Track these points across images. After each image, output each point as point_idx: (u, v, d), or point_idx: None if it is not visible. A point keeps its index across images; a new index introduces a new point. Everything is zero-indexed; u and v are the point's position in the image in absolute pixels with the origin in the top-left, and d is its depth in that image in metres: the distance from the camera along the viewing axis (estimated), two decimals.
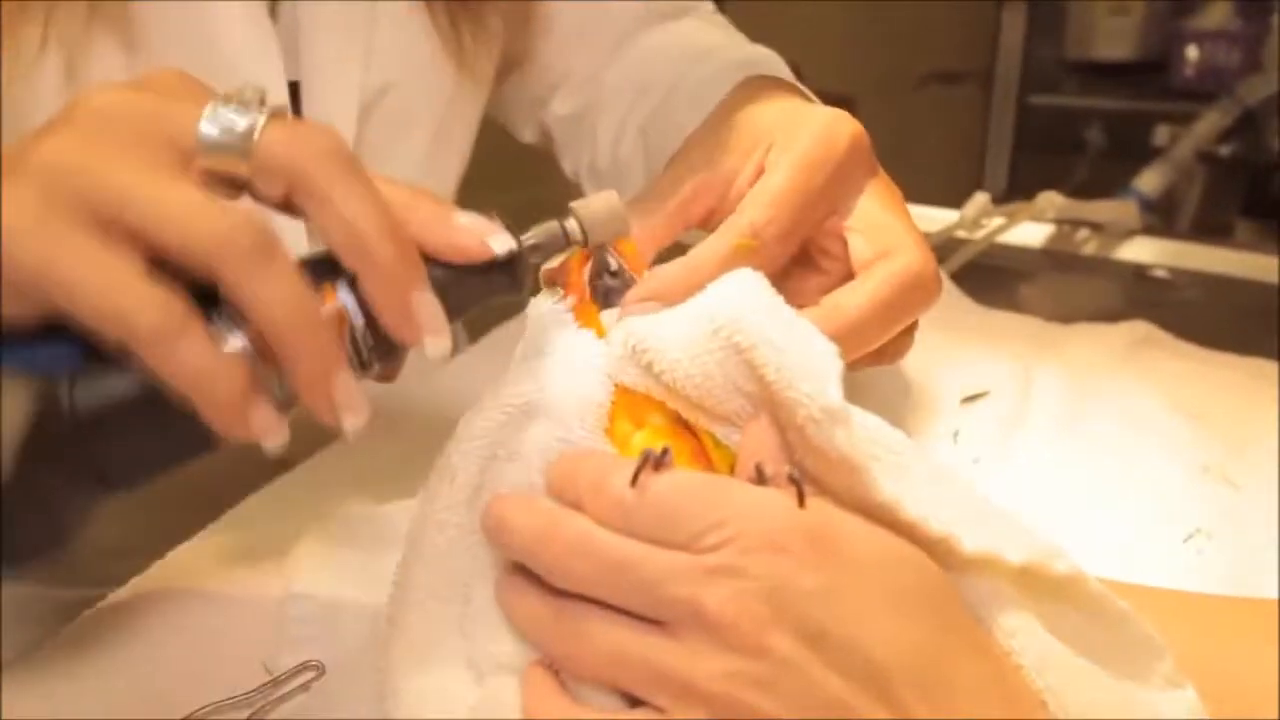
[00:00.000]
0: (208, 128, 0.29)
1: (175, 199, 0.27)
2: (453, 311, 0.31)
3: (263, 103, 0.29)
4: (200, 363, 0.27)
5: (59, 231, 0.27)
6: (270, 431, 0.29)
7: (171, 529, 0.48)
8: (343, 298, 0.30)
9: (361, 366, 0.31)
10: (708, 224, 0.41)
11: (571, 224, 0.34)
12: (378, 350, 0.31)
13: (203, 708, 0.35)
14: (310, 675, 0.36)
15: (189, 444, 0.30)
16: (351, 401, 0.29)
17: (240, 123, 0.28)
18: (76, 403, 0.28)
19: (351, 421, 0.30)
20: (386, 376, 0.34)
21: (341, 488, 0.49)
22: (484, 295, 0.32)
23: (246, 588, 0.42)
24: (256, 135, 0.28)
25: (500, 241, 0.31)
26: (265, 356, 0.29)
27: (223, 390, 0.28)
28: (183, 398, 0.27)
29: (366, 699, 0.34)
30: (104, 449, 0.29)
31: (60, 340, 0.28)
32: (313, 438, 0.59)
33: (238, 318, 0.28)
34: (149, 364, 0.27)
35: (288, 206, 0.30)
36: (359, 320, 0.30)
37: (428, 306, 0.30)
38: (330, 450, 0.55)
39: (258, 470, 0.57)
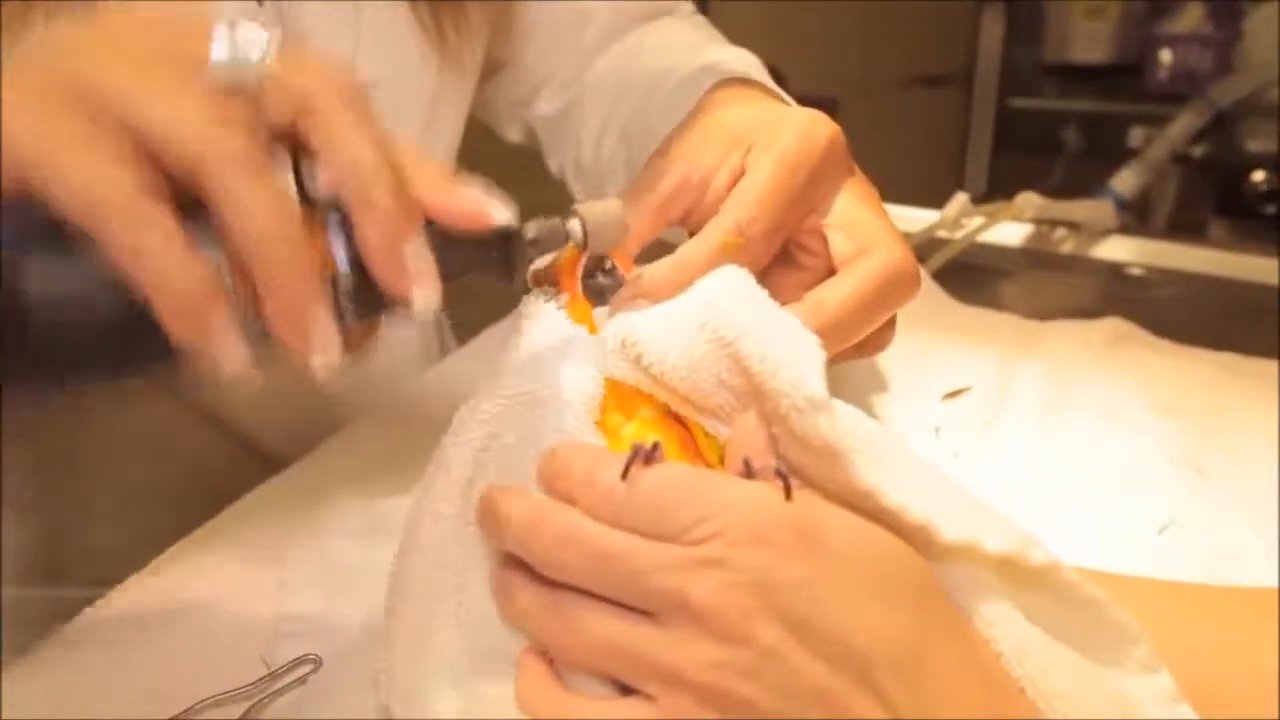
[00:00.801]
0: (219, 48, 0.28)
1: (169, 96, 0.27)
2: (441, 276, 0.29)
3: (275, 39, 0.28)
4: (163, 253, 0.26)
5: (44, 110, 0.26)
6: (229, 354, 0.27)
7: (168, 528, 0.48)
8: (331, 240, 0.28)
9: (339, 318, 0.29)
10: (686, 222, 0.42)
11: (574, 225, 0.34)
12: (358, 303, 0.29)
13: (201, 701, 0.35)
14: (307, 669, 0.36)
15: (143, 351, 0.28)
16: (325, 338, 0.28)
17: (254, 44, 0.28)
18: (28, 285, 0.26)
19: (322, 360, 0.28)
20: (358, 346, 0.32)
21: (335, 485, 0.49)
22: (475, 267, 0.31)
23: (243, 584, 0.43)
24: (269, 58, 0.28)
25: (500, 213, 0.30)
26: (241, 281, 0.27)
27: (182, 287, 0.26)
28: (142, 294, 0.26)
29: (363, 692, 0.35)
30: (52, 340, 0.27)
31: (29, 222, 0.27)
32: (307, 437, 0.59)
33: (220, 239, 0.27)
34: (111, 249, 0.26)
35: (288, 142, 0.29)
36: (344, 268, 0.28)
37: (421, 256, 0.29)
38: (324, 449, 0.55)
39: (253, 468, 0.57)
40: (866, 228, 0.40)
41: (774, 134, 0.39)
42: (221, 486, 0.55)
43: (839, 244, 0.40)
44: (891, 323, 0.42)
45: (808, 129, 0.40)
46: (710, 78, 0.48)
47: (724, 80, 0.48)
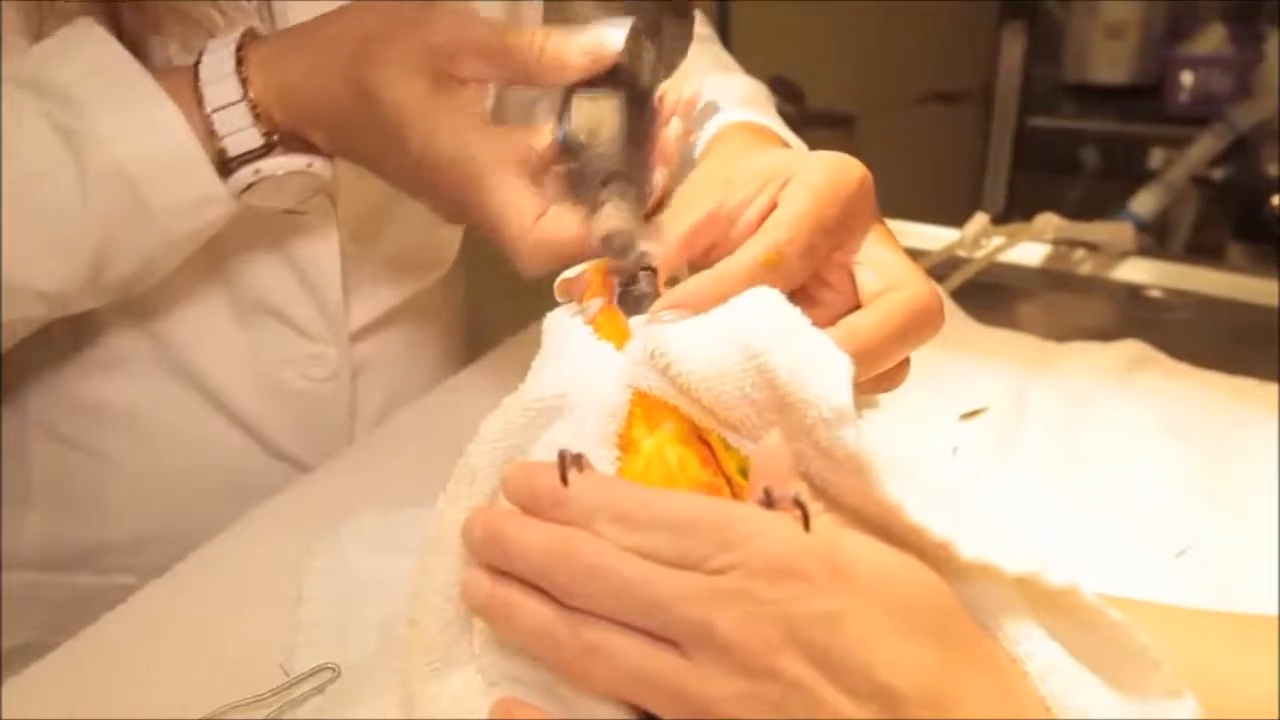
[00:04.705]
0: None
1: None
2: None
3: None
4: None
5: None
6: None
7: (183, 519, 0.48)
8: None
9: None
10: (711, 256, 0.42)
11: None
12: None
13: (220, 708, 0.35)
14: (325, 677, 0.37)
15: None
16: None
17: None
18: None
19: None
20: None
21: (354, 497, 0.50)
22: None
23: (262, 593, 0.43)
24: None
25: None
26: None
27: None
28: None
29: (380, 701, 0.35)
30: None
31: None
32: (331, 441, 0.59)
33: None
34: None
35: None
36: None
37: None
38: (343, 460, 0.55)
39: (271, 476, 0.58)
40: (895, 267, 0.41)
41: (808, 170, 0.41)
42: (236, 481, 0.55)
43: (867, 280, 0.41)
44: (906, 361, 0.43)
45: (841, 167, 0.41)
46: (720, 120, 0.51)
47: (738, 124, 0.50)
